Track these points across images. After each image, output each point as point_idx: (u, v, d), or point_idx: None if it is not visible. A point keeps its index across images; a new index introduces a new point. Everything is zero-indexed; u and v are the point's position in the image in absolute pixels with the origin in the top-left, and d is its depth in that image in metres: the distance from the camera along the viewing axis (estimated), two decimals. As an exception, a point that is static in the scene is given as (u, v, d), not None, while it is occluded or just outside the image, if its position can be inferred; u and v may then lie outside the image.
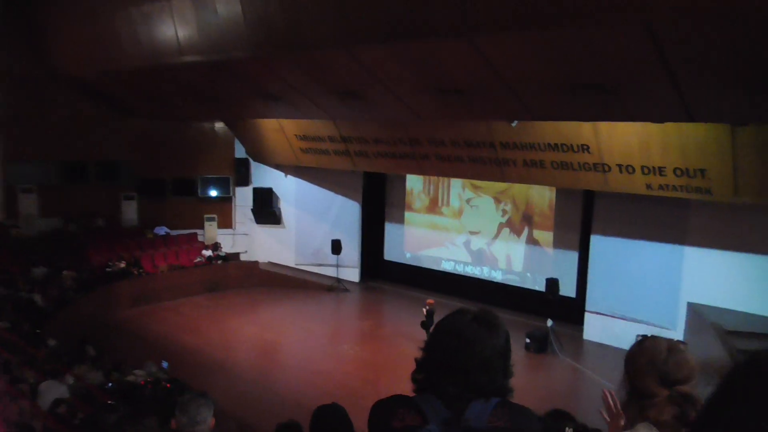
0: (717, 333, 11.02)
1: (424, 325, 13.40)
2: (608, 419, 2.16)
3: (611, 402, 2.15)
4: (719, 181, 10.49)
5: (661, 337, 2.23)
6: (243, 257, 19.89)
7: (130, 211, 18.68)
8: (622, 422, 2.08)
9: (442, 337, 1.65)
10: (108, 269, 16.22)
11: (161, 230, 18.89)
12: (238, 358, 13.11)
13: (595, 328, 14.15)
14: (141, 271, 16.89)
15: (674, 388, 2.06)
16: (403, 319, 15.92)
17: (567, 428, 3.20)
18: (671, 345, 2.17)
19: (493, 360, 1.62)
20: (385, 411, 1.68)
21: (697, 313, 12.18)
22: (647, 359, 2.14)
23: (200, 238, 19.40)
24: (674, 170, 10.85)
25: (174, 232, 19.04)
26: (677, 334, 12.71)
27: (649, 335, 2.25)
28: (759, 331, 10.81)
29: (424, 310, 13.47)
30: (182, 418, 2.95)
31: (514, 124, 11.64)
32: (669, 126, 10.35)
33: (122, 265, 16.52)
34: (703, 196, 10.88)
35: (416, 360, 1.72)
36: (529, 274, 16.09)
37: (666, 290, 12.90)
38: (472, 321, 1.63)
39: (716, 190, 10.65)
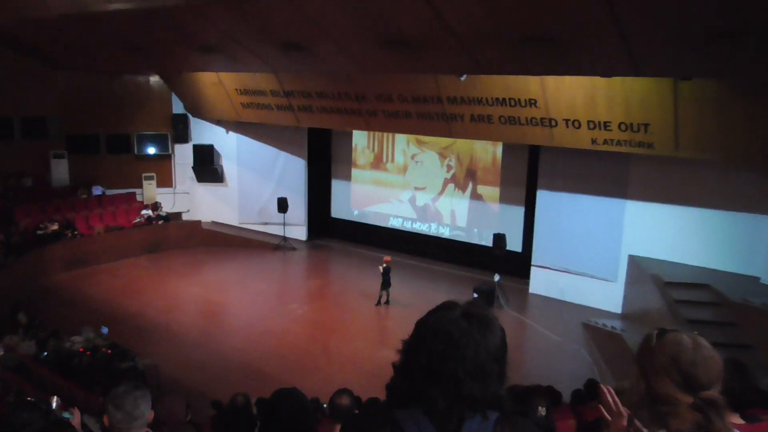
0: (656, 284, 11.43)
1: (384, 285, 13.44)
2: (609, 418, 1.88)
3: (611, 399, 1.89)
4: (661, 136, 10.70)
5: (683, 332, 1.92)
6: (185, 217, 19.31)
7: (60, 170, 17.72)
8: (625, 422, 1.83)
9: (427, 338, 1.37)
10: (39, 232, 15.44)
11: (98, 190, 18.08)
12: (181, 321, 12.80)
13: (540, 282, 14.49)
14: (75, 233, 16.17)
15: (699, 394, 1.77)
16: (352, 277, 15.91)
17: (540, 407, 3.14)
18: (696, 341, 1.87)
19: (488, 365, 1.37)
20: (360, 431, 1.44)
21: (637, 265, 12.59)
22: (669, 358, 1.83)
23: (139, 198, 18.69)
24: (619, 125, 10.98)
25: (110, 192, 18.26)
26: (618, 285, 13.16)
27: (668, 329, 1.93)
28: (695, 281, 11.26)
29: (381, 268, 13.46)
30: (117, 414, 2.58)
31: (463, 78, 11.48)
32: (614, 81, 10.42)
33: (54, 227, 15.75)
34: (646, 150, 11.09)
35: (394, 365, 1.44)
36: (476, 230, 16.26)
37: (608, 243, 13.25)
38: (462, 318, 1.38)
39: (658, 145, 10.87)
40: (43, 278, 14.82)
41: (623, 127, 10.98)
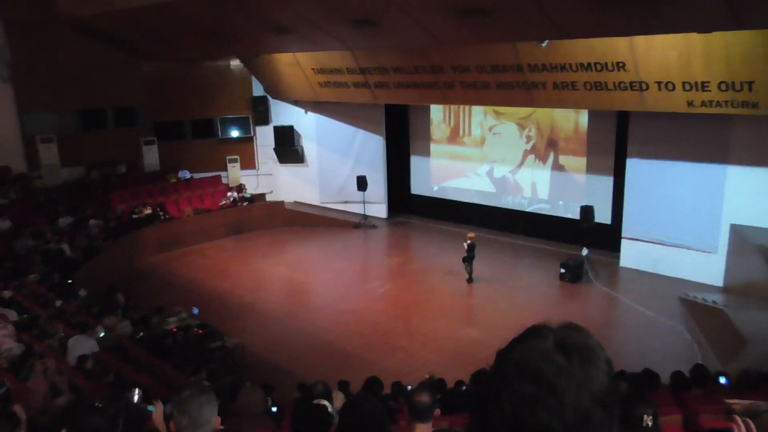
0: (763, 255, 10.55)
1: (466, 259, 13.17)
2: None
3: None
4: (768, 94, 9.78)
5: None
6: (268, 198, 19.75)
7: (151, 156, 18.53)
8: None
9: (512, 379, 1.04)
10: (134, 216, 16.23)
11: (185, 174, 18.79)
12: (267, 299, 13.13)
13: (631, 255, 13.76)
14: (167, 216, 16.89)
15: None
16: (433, 254, 15.74)
17: (645, 416, 2.80)
18: None
19: (593, 412, 1.02)
20: None
21: (740, 234, 11.68)
22: None
23: (224, 181, 19.26)
24: (719, 84, 10.13)
25: (197, 176, 18.92)
26: (719, 257, 12.28)
27: None
28: (807, 251, 10.32)
29: (465, 244, 13.19)
30: (182, 420, 2.50)
31: (544, 45, 10.93)
32: (713, 36, 9.55)
33: (148, 211, 16.51)
34: (751, 110, 10.18)
35: (470, 414, 1.12)
36: (561, 202, 15.64)
37: (707, 212, 12.38)
38: (556, 350, 1.04)
39: (765, 104, 9.95)
40: (139, 260, 15.59)
41: (723, 86, 10.11)
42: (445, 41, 10.38)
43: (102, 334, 8.21)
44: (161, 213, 16.77)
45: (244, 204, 18.54)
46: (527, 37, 10.74)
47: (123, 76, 17.65)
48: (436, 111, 17.69)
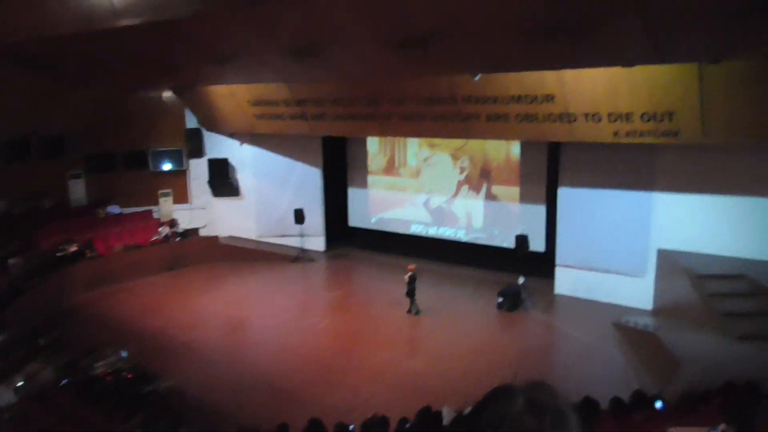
0: (689, 278, 11.01)
1: (409, 293, 13.15)
2: None
3: None
4: (687, 123, 10.33)
5: None
6: (202, 232, 19.17)
7: (78, 190, 17.69)
8: None
9: None
10: (59, 253, 15.36)
11: (114, 209, 18.01)
12: (204, 338, 12.58)
13: (566, 282, 14.09)
14: (94, 253, 16.08)
15: None
16: (373, 286, 15.63)
17: None
18: None
19: None
20: None
21: (667, 258, 12.17)
22: None
23: (155, 215, 18.59)
24: (642, 115, 10.64)
25: (127, 210, 18.18)
26: (648, 281, 12.74)
27: None
28: (730, 272, 10.83)
29: (406, 276, 13.16)
30: None
31: (477, 78, 11.18)
32: (635, 70, 10.05)
33: (74, 248, 15.68)
34: (672, 139, 10.71)
35: None
36: (496, 231, 15.90)
37: (636, 238, 12.85)
38: (527, 412, 0.99)
39: (684, 132, 10.49)
40: (67, 300, 14.72)
41: (646, 117, 10.63)
42: (382, 73, 10.47)
43: (20, 383, 7.59)
44: (89, 250, 15.96)
45: (177, 239, 17.92)
46: (461, 70, 10.97)
47: (52, 104, 16.83)
48: (373, 143, 17.79)
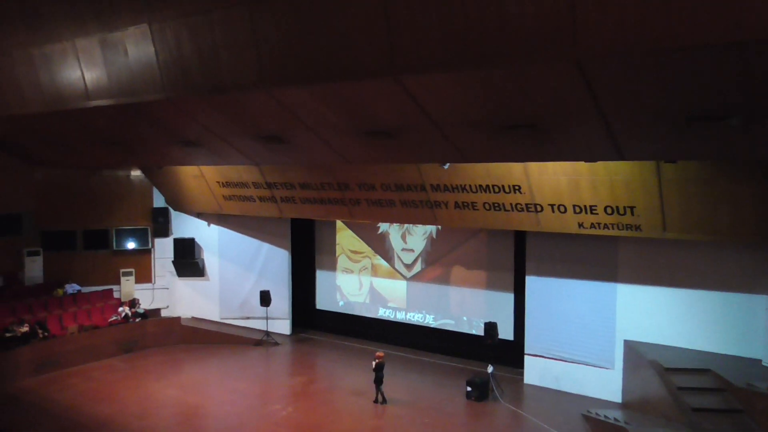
0: (656, 370, 11.02)
1: (376, 380, 12.87)
2: None
3: None
4: (648, 218, 10.68)
5: None
6: (164, 313, 18.72)
7: (34, 268, 17.24)
8: None
9: None
10: (7, 334, 14.76)
11: (73, 287, 17.55)
12: (155, 427, 12.01)
13: (535, 371, 13.97)
14: (47, 333, 15.49)
15: None
16: (338, 373, 15.27)
17: None
18: None
19: None
20: None
21: (634, 350, 12.21)
22: None
23: (116, 295, 18.15)
24: (605, 208, 10.98)
25: (87, 289, 17.72)
26: (616, 372, 12.72)
27: None
28: (695, 366, 10.89)
29: (374, 363, 12.90)
30: None
31: (445, 167, 11.51)
32: (598, 165, 10.49)
33: (24, 328, 15.10)
34: (634, 232, 11.03)
35: None
36: (465, 318, 15.85)
37: (602, 328, 12.92)
38: None
39: (645, 227, 10.82)
40: (10, 384, 14.02)
41: (609, 210, 10.97)
42: (350, 160, 10.70)
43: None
44: (40, 331, 15.39)
45: (137, 320, 17.43)
46: (430, 159, 11.27)
47: (11, 181, 16.71)
48: (343, 225, 17.90)
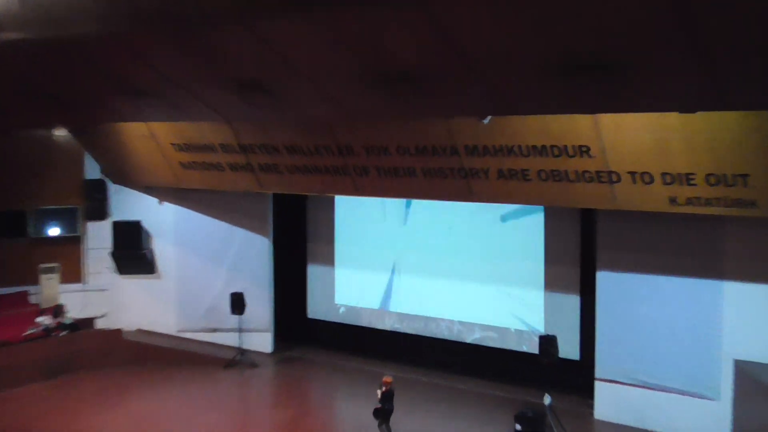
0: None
1: (378, 413, 12.91)
2: None
3: None
4: (766, 191, 10.67)
5: None
6: (100, 324, 19.14)
7: None
8: None
9: None
10: None
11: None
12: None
13: (609, 403, 14.14)
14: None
15: None
16: (338, 404, 15.60)
17: None
18: None
19: None
20: None
21: (748, 374, 12.27)
22: None
23: (33, 299, 18.55)
24: (706, 177, 10.97)
25: (-8, 291, 18.17)
26: (723, 404, 12.81)
27: None
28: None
29: (379, 392, 13.00)
30: None
31: (486, 121, 11.57)
32: (695, 117, 10.47)
33: None
34: (746, 210, 10.99)
35: None
36: (513, 329, 16.06)
37: (703, 344, 13.00)
38: None
39: (763, 203, 10.83)
40: None
41: (712, 179, 10.93)
42: (357, 115, 10.86)
43: None
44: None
45: (63, 333, 17.83)
46: (464, 112, 11.37)
47: None
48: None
